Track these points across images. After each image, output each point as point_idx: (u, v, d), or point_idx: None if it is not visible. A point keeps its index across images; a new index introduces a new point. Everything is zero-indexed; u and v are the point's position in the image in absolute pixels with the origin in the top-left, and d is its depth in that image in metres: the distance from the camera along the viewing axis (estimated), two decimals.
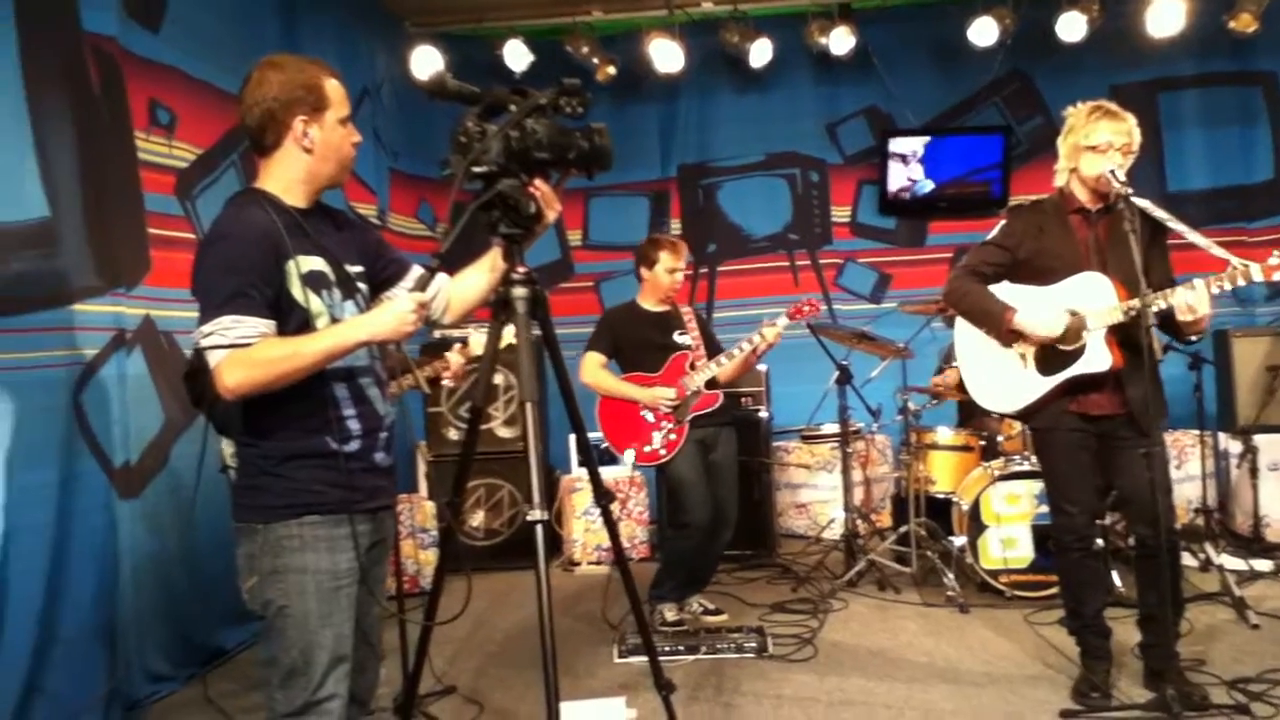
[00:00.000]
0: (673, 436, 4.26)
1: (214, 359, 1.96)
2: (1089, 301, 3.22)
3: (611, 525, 2.58)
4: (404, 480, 5.78)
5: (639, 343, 4.41)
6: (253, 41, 4.65)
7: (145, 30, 4.04)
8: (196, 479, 4.14)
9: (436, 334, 5.19)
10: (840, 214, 7.03)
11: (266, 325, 1.99)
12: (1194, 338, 3.24)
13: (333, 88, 2.13)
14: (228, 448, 3.24)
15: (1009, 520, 4.57)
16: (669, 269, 4.37)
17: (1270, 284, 3.98)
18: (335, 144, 2.14)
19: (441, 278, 2.31)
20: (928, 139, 6.75)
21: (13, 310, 3.28)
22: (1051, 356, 3.29)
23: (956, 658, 3.89)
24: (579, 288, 7.10)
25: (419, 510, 5.26)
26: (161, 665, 3.83)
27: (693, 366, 4.32)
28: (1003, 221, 3.49)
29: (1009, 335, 3.34)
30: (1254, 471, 5.27)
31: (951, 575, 4.65)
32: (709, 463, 4.32)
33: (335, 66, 2.18)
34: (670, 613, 4.37)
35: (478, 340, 3.69)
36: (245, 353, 1.95)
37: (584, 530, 5.74)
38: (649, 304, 4.49)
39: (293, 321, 2.04)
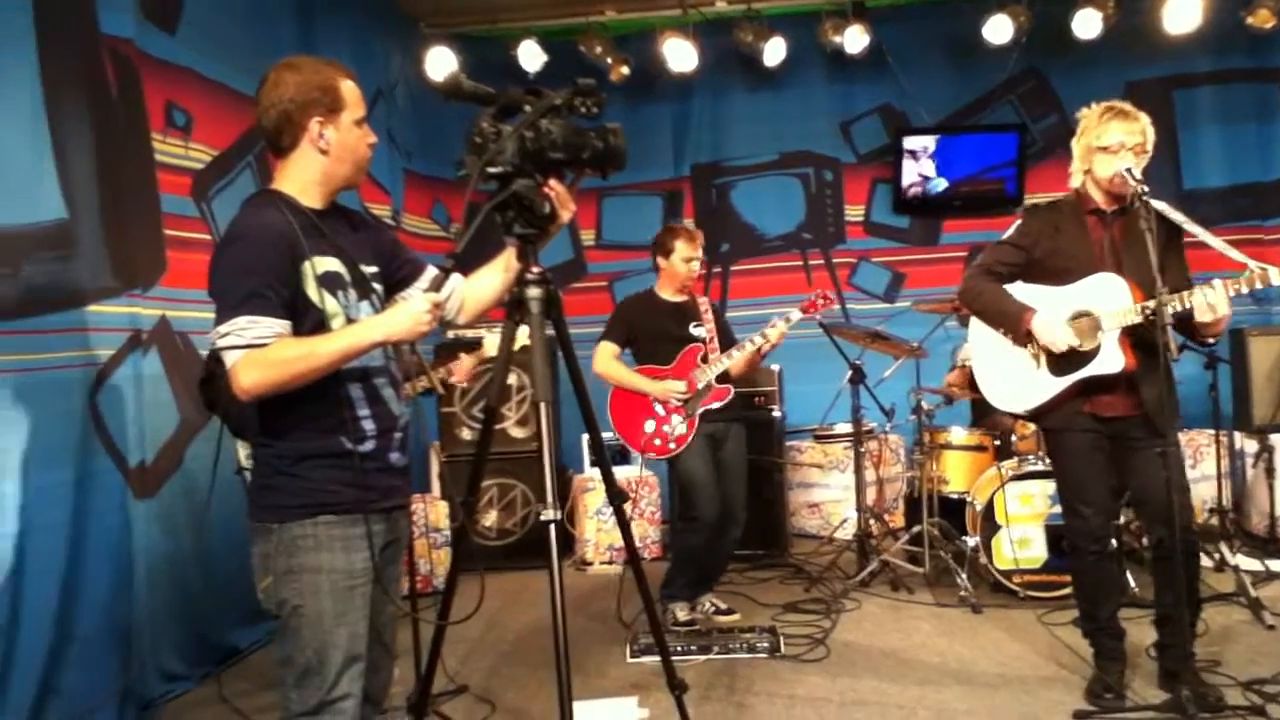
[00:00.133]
0: (682, 430, 4.27)
1: (230, 359, 1.97)
2: (1104, 303, 3.20)
3: (625, 525, 2.58)
4: (418, 480, 5.81)
5: (655, 333, 4.41)
6: (268, 43, 4.67)
7: (161, 32, 4.07)
8: (211, 479, 4.09)
9: (450, 334, 5.22)
10: (854, 213, 7.01)
11: (282, 326, 1.99)
12: (1211, 340, 3.22)
13: (348, 89, 2.13)
14: (243, 450, 3.26)
15: (1022, 520, 4.54)
16: (685, 258, 4.37)
17: None
18: (351, 145, 2.14)
19: (456, 278, 2.31)
20: (938, 136, 6.72)
21: (30, 312, 3.29)
22: (1064, 357, 3.27)
23: (970, 658, 3.88)
24: (592, 287, 7.11)
25: (433, 510, 5.28)
26: (176, 664, 3.85)
27: (704, 359, 4.33)
28: (1018, 221, 3.48)
29: (1025, 336, 3.32)
30: (1270, 471, 5.23)
31: (965, 576, 4.63)
32: (718, 459, 4.32)
33: (350, 68, 2.18)
34: (682, 612, 4.37)
35: (491, 341, 3.70)
36: (261, 353, 1.95)
37: (596, 530, 5.75)
38: (667, 293, 4.48)
39: (308, 322, 2.05)
